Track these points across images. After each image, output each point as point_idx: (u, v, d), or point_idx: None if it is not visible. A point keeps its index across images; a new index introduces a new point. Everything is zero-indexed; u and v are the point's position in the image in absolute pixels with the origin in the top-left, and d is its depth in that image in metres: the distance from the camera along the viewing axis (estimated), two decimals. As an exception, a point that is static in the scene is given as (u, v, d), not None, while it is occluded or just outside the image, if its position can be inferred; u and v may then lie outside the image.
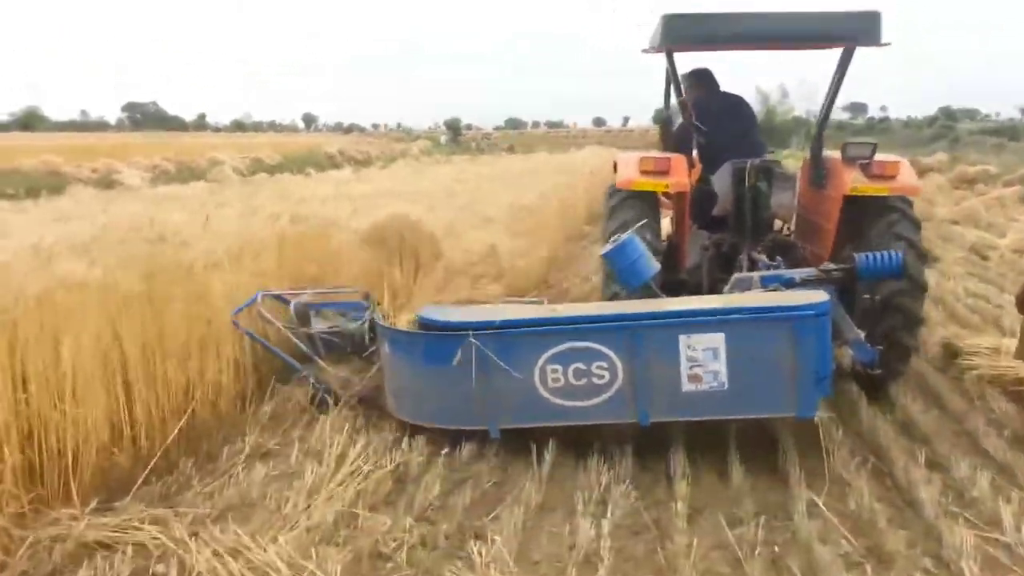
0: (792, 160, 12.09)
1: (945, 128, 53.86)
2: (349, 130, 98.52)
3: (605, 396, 3.96)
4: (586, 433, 4.17)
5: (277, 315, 4.86)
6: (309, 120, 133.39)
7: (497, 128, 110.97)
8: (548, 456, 4.02)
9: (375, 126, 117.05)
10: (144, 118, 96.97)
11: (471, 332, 3.99)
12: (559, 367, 3.97)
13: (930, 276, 6.06)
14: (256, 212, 6.31)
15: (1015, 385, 4.95)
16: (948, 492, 3.70)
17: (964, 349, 5.54)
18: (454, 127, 73.26)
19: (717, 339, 3.84)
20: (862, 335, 4.42)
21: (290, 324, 4.83)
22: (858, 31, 4.81)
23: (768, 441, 4.22)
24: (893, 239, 4.67)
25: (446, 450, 4.10)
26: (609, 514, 3.50)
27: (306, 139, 54.04)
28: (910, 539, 3.29)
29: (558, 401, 4.01)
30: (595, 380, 3.95)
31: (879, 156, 4.90)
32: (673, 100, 5.80)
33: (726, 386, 3.86)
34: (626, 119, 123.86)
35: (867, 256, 4.34)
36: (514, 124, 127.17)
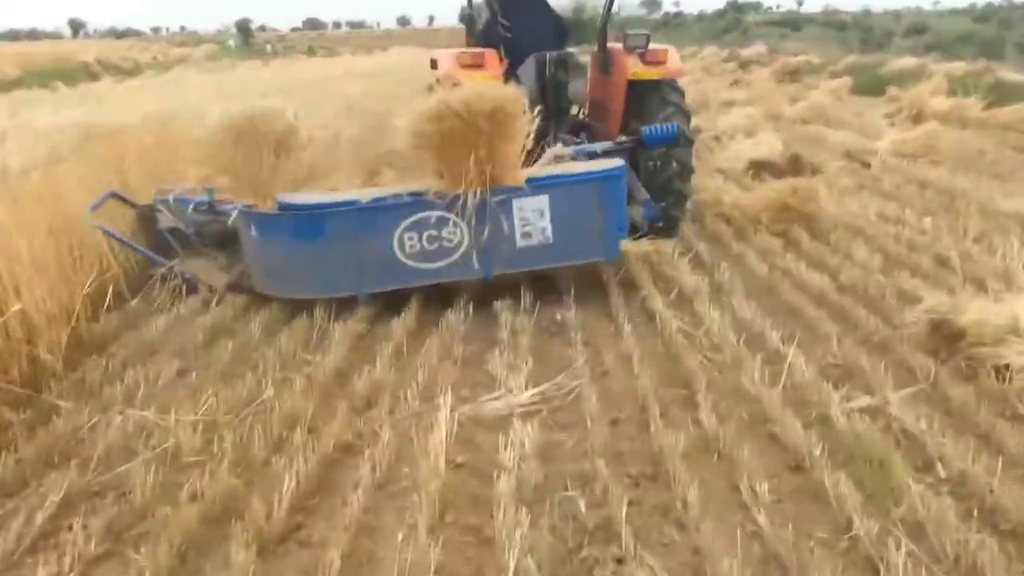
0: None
1: (734, 21, 56.75)
2: (123, 35, 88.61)
3: (455, 256, 4.70)
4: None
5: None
6: (76, 26, 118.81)
7: (295, 29, 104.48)
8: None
9: (155, 30, 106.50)
10: None
11: (336, 210, 4.62)
12: (415, 235, 4.64)
13: (820, 192, 6.68)
14: None
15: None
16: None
17: (966, 329, 3.96)
18: (244, 29, 67.60)
19: (543, 201, 4.67)
20: (648, 196, 5.53)
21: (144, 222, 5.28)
22: None
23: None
24: (666, 107, 5.82)
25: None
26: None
27: (64, 46, 46.24)
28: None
29: (415, 264, 4.69)
30: (445, 244, 4.67)
31: (652, 45, 5.91)
32: None
33: (551, 240, 4.73)
34: (431, 18, 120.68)
35: (650, 128, 5.46)
36: (313, 25, 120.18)
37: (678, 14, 74.03)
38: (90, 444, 3.41)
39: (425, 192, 4.66)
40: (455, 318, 4.68)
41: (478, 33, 6.65)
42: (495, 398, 3.77)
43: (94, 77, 24.57)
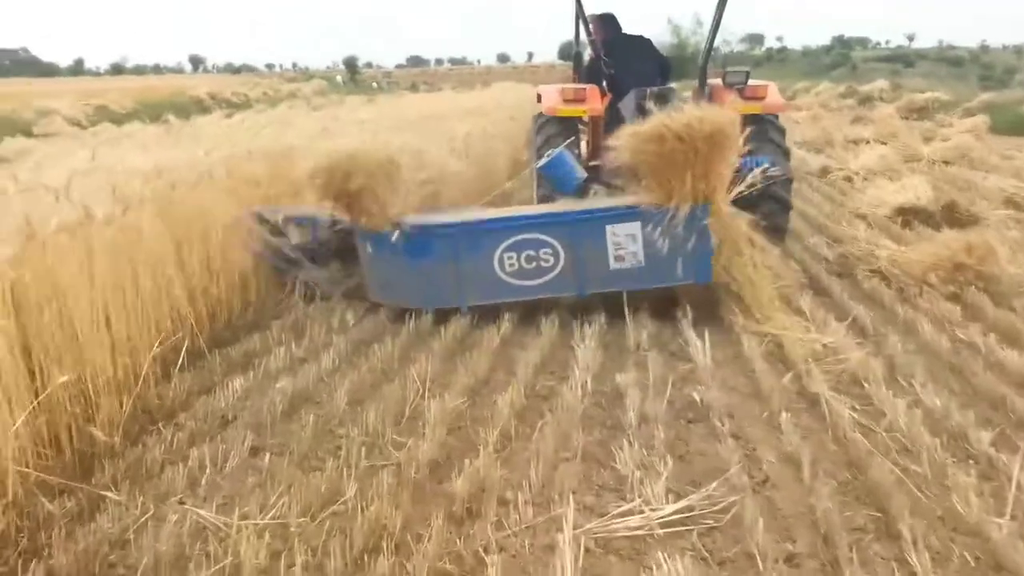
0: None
1: (841, 56, 54.74)
2: (239, 71, 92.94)
3: (551, 276, 4.99)
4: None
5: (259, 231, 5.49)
6: (196, 62, 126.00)
7: (399, 66, 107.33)
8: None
9: (269, 66, 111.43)
10: (13, 65, 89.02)
11: (446, 230, 5.03)
12: (514, 255, 4.96)
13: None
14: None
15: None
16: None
17: None
18: (351, 65, 69.74)
19: (635, 227, 4.88)
20: None
21: (275, 236, 5.54)
22: None
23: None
24: (765, 144, 5.88)
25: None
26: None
27: (179, 81, 47.88)
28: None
29: (514, 281, 5.00)
30: (542, 264, 4.97)
31: (752, 82, 6.21)
32: (583, 37, 6.84)
33: (643, 263, 4.93)
34: (530, 54, 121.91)
35: (743, 160, 5.35)
36: (416, 62, 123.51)
37: (782, 49, 72.16)
38: (136, 550, 2.80)
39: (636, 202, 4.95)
40: (571, 395, 3.93)
41: (584, 69, 7.07)
42: (629, 512, 2.99)
43: (206, 111, 25.19)
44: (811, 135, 15.38)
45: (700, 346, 4.32)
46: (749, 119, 5.64)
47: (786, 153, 6.11)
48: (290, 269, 5.56)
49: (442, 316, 5.05)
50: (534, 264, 4.96)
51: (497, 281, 4.99)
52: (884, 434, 3.49)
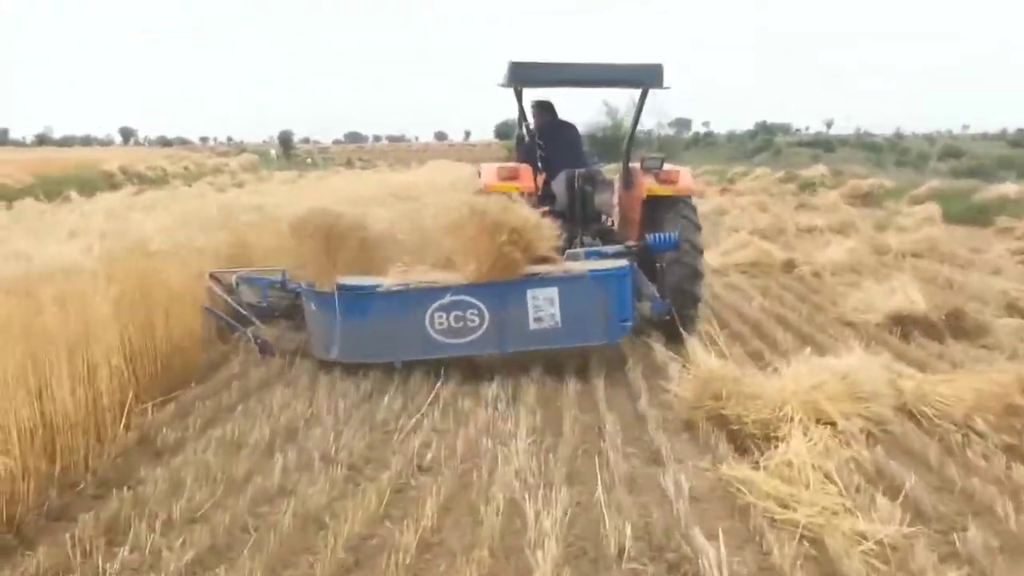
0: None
1: (765, 141, 56.04)
2: (170, 144, 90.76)
3: (477, 335, 5.40)
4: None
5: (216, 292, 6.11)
6: (127, 134, 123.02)
7: (337, 142, 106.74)
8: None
9: (203, 140, 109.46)
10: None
11: (382, 291, 5.48)
12: (444, 314, 5.37)
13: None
14: None
15: None
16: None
17: None
18: (286, 140, 68.38)
19: (553, 292, 5.38)
20: (656, 292, 6.23)
21: (230, 296, 6.14)
22: (647, 77, 6.65)
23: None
24: (680, 220, 6.37)
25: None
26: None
27: (89, 154, 43.97)
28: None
29: (443, 339, 5.40)
30: (469, 323, 5.39)
31: (667, 166, 6.71)
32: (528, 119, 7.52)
33: (560, 324, 5.40)
34: (468, 133, 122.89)
35: (654, 236, 6.06)
36: (354, 138, 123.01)
37: (708, 134, 74.00)
38: None
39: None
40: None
41: (522, 149, 7.67)
42: None
43: (115, 187, 23.21)
44: (763, 223, 14.56)
45: (714, 559, 2.95)
46: (665, 199, 6.51)
47: (696, 227, 6.56)
48: (239, 327, 6.06)
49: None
50: (461, 324, 5.35)
51: (428, 339, 5.37)
52: None
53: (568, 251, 5.95)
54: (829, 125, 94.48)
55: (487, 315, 5.33)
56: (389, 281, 5.51)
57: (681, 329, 5.91)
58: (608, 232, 7.22)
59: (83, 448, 3.85)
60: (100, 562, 3.01)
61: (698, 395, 4.60)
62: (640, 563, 3.04)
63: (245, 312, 6.09)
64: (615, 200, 7.38)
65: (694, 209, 6.66)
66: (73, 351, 4.20)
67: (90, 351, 4.41)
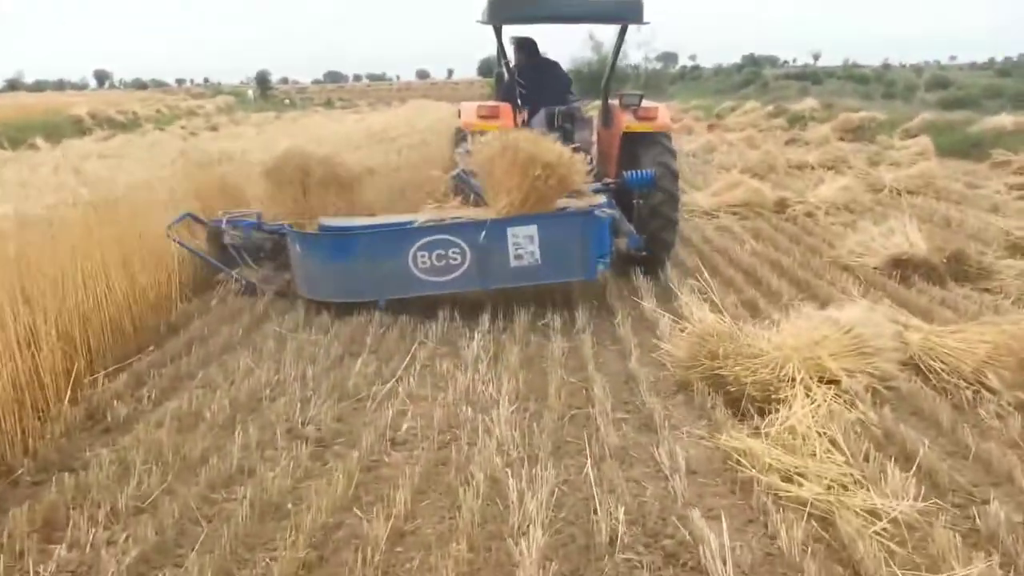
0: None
1: (752, 74, 54.93)
2: (146, 86, 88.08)
3: (459, 272, 5.47)
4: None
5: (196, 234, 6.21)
6: (102, 77, 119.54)
7: (316, 82, 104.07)
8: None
9: (180, 82, 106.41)
10: None
11: (365, 232, 5.65)
12: (426, 254, 5.44)
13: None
14: None
15: None
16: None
17: None
18: (263, 81, 66.33)
19: (532, 230, 5.43)
20: (632, 228, 6.15)
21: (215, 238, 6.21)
22: (627, 12, 6.56)
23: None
24: (656, 164, 6.32)
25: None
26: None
27: (57, 99, 41.92)
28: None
29: (426, 278, 5.48)
30: (451, 262, 5.46)
31: (645, 103, 6.72)
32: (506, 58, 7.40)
33: (539, 261, 5.47)
34: (450, 71, 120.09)
35: (630, 173, 6.17)
36: (334, 78, 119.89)
37: (695, 67, 72.57)
38: None
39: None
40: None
41: (502, 88, 7.53)
42: None
43: (83, 132, 22.28)
44: (753, 160, 14.13)
45: (716, 545, 2.66)
46: (644, 136, 6.53)
47: (675, 174, 6.53)
48: (224, 268, 6.10)
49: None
50: (444, 262, 5.41)
51: (411, 277, 5.44)
52: None
53: None
54: (816, 57, 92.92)
55: (469, 253, 5.40)
56: (423, 217, 5.56)
57: (661, 273, 6.44)
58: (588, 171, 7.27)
59: (20, 429, 3.50)
60: (31, 565, 2.69)
61: (692, 354, 4.29)
62: (634, 551, 2.76)
63: (233, 253, 6.13)
64: (594, 138, 7.39)
65: (673, 153, 6.61)
66: (10, 315, 3.84)
67: (31, 314, 4.06)
